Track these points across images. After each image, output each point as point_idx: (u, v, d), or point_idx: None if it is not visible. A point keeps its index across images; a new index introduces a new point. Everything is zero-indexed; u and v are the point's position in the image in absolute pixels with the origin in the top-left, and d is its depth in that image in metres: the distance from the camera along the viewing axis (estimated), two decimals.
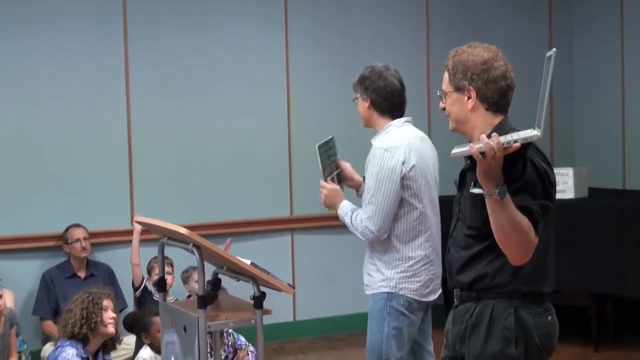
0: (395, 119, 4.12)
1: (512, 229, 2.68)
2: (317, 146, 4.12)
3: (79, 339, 4.55)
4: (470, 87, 2.90)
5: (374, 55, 6.65)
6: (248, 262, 3.44)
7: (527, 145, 2.72)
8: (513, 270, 2.84)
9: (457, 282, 3.00)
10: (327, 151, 4.20)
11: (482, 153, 2.60)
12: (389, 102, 4.09)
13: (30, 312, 6.36)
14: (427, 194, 4.07)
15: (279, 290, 3.58)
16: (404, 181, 3.97)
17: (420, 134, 4.16)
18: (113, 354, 5.95)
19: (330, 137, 4.24)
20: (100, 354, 4.72)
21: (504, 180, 2.67)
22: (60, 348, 4.50)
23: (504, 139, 2.60)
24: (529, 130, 2.63)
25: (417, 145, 4.06)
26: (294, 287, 3.76)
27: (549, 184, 2.82)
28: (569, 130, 8.44)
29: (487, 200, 2.70)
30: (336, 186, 4.23)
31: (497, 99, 2.89)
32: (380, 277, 4.06)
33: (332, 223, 7.35)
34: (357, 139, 5.88)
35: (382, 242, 4.07)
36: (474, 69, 2.89)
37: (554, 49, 2.59)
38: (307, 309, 7.39)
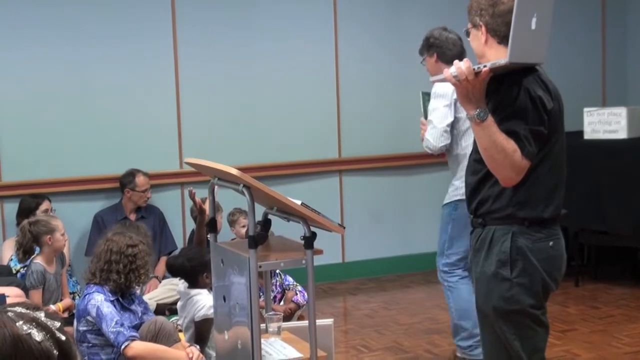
0: None
1: (495, 150, 2.87)
2: (421, 92, 4.97)
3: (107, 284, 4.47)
4: (480, 22, 3.06)
5: None
6: (298, 202, 3.43)
7: (523, 73, 2.91)
8: (510, 195, 3.00)
9: (469, 208, 3.20)
10: (426, 97, 4.94)
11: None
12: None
13: (83, 253, 6.46)
14: None
15: (329, 230, 3.57)
16: None
17: None
18: (159, 294, 6.01)
19: (430, 91, 4.93)
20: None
21: (498, 105, 2.88)
22: (87, 296, 4.42)
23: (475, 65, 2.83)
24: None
25: None
26: (344, 227, 3.76)
27: (544, 111, 2.93)
28: (622, 69, 8.27)
29: (470, 124, 2.92)
30: None
31: (506, 32, 2.94)
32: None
33: (380, 165, 7.37)
34: (404, 85, 5.89)
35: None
36: (483, 4, 3.05)
37: None
38: (355, 251, 7.42)
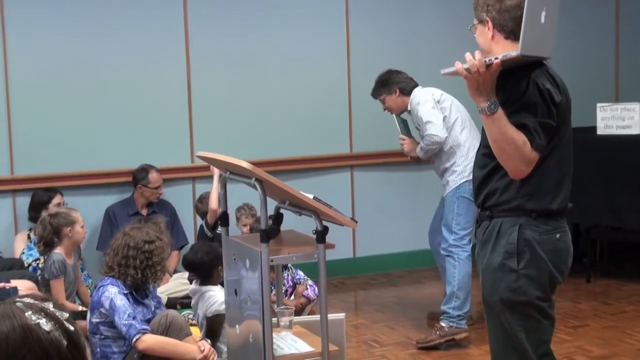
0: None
1: (505, 143, 2.89)
2: (394, 115, 5.71)
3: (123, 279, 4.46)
4: (487, 18, 3.08)
5: None
6: (310, 196, 3.42)
7: (531, 67, 2.94)
8: (518, 186, 3.02)
9: (476, 201, 3.20)
10: (399, 120, 5.71)
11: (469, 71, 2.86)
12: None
13: (94, 247, 6.47)
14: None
15: (341, 224, 3.56)
16: None
17: None
18: (171, 288, 6.02)
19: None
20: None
21: (507, 98, 2.90)
22: (102, 288, 4.42)
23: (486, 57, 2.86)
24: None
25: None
26: (355, 222, 3.74)
27: (552, 104, 2.95)
28: (635, 64, 8.23)
29: (481, 116, 2.93)
30: (411, 139, 5.69)
31: (513, 27, 3.00)
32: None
33: (390, 160, 7.35)
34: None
35: None
36: (490, 0, 3.06)
37: None
38: (366, 246, 7.41)
